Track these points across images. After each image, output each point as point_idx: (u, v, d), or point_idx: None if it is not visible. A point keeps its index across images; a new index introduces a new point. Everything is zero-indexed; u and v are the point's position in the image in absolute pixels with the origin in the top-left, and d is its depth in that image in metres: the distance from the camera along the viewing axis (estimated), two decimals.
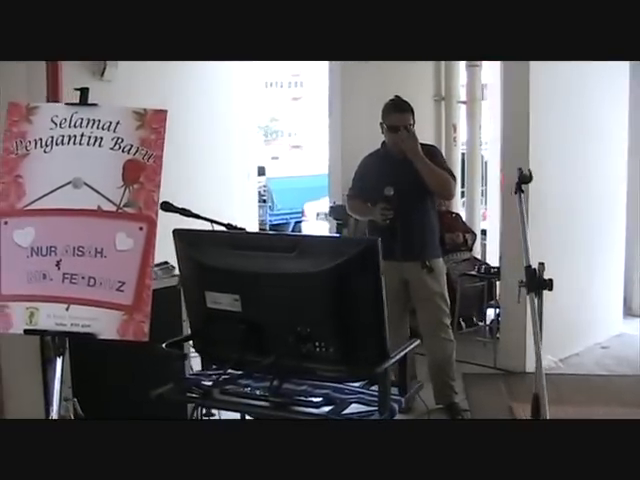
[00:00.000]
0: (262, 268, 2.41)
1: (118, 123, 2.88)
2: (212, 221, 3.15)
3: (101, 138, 2.87)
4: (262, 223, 12.23)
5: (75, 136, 2.88)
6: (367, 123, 6.82)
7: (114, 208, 2.84)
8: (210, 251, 2.53)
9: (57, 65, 5.10)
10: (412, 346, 2.62)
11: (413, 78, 7.09)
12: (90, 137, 2.87)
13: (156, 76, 6.85)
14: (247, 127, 7.89)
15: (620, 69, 6.53)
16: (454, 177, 4.92)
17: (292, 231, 13.92)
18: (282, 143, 17.44)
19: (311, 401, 2.47)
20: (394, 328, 4.59)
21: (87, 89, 2.92)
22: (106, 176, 2.86)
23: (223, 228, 3.13)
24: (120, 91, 6.38)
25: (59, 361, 2.83)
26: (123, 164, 2.86)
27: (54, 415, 2.76)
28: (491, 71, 7.87)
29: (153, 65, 6.74)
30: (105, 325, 2.81)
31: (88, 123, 2.89)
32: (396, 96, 4.84)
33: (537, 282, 2.86)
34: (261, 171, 12.60)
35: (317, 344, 2.39)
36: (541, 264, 2.86)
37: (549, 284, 2.88)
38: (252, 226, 7.69)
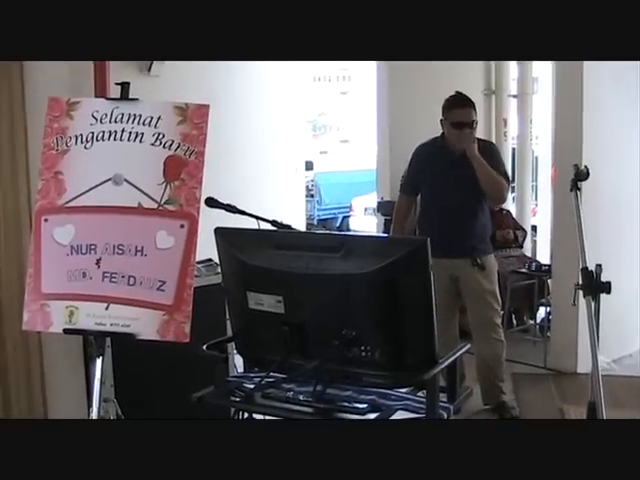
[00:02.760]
0: (306, 268, 2.32)
1: (159, 118, 2.82)
2: (257, 217, 3.07)
3: (142, 134, 2.81)
4: (310, 218, 12.18)
5: (116, 132, 2.83)
6: (416, 118, 6.75)
7: (155, 205, 2.78)
8: (253, 250, 2.45)
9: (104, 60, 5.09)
10: (462, 351, 2.50)
11: (462, 72, 6.95)
12: (131, 133, 2.82)
13: (204, 70, 6.79)
14: (295, 121, 7.81)
15: None
16: (508, 180, 4.82)
17: (340, 226, 13.85)
18: (330, 137, 17.34)
19: (356, 407, 2.38)
20: (442, 327, 4.54)
21: (128, 84, 2.86)
22: (147, 172, 2.80)
23: (268, 225, 3.05)
24: (167, 86, 6.34)
25: (99, 361, 2.78)
26: (164, 160, 2.80)
27: (94, 415, 2.71)
28: (543, 64, 7.69)
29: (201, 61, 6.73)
30: (145, 325, 2.75)
31: (129, 118, 2.83)
32: (457, 92, 4.72)
33: (594, 285, 2.72)
34: (309, 166, 12.54)
35: (363, 348, 2.30)
36: (598, 266, 2.72)
37: (607, 287, 2.74)
38: (299, 221, 7.62)
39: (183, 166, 2.79)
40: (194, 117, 2.83)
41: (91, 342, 3.06)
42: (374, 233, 6.88)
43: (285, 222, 3.13)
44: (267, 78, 7.63)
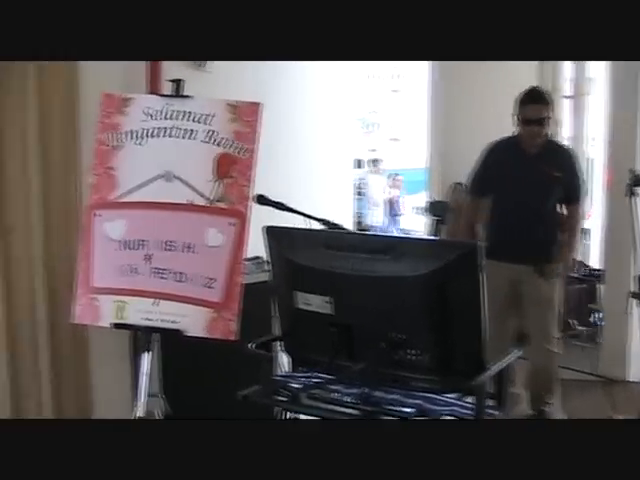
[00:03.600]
0: (356, 270, 2.30)
1: (212, 116, 2.83)
2: (307, 216, 3.05)
3: (194, 131, 2.83)
4: (359, 216, 12.14)
5: (168, 128, 2.85)
6: (469, 117, 6.68)
7: (205, 202, 2.79)
8: (302, 250, 2.44)
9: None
10: (512, 358, 2.46)
11: (516, 71, 6.86)
12: (183, 129, 2.82)
13: (257, 66, 6.81)
14: (345, 119, 7.80)
15: None
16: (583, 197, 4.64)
17: (389, 225, 13.78)
18: (380, 135, 17.27)
19: (402, 411, 2.35)
20: (496, 332, 4.47)
21: (181, 80, 2.86)
22: (198, 170, 2.81)
23: (318, 223, 3.03)
24: (221, 82, 6.34)
25: (146, 356, 2.79)
26: (215, 157, 2.80)
27: (139, 411, 2.72)
28: (598, 65, 7.55)
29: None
30: (193, 322, 2.76)
31: (182, 115, 2.85)
32: (534, 86, 4.61)
33: None
34: (359, 164, 12.51)
35: (411, 352, 2.28)
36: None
37: None
38: (347, 220, 7.60)
39: (234, 164, 2.80)
40: (246, 115, 2.83)
41: (139, 337, 3.07)
42: (424, 235, 6.81)
43: (334, 222, 3.12)
44: (318, 75, 7.61)
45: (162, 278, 2.78)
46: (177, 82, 2.89)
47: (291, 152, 6.97)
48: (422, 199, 8.06)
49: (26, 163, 3.41)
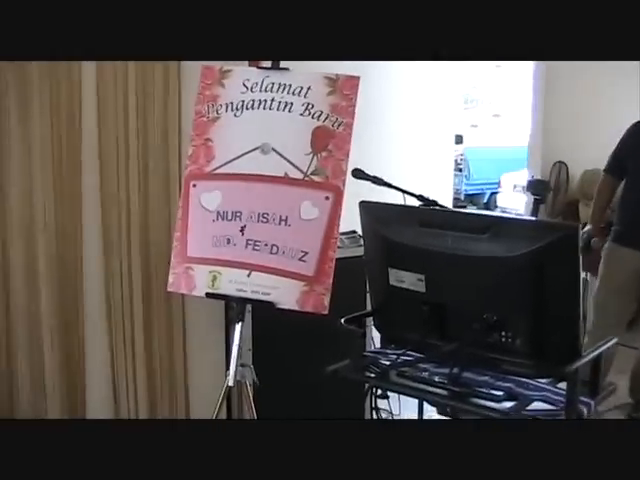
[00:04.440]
0: (450, 248, 2.26)
1: (309, 88, 2.82)
2: (403, 191, 3.01)
3: (291, 103, 2.82)
4: (457, 192, 11.96)
5: (266, 100, 2.85)
6: (573, 95, 6.49)
7: (301, 176, 2.79)
8: (397, 226, 2.41)
9: None
10: (607, 345, 2.39)
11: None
12: (280, 102, 2.83)
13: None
14: (446, 94, 7.69)
15: None
16: None
17: (487, 202, 13.57)
18: (481, 111, 16.98)
19: (492, 394, 2.30)
20: (610, 321, 4.36)
21: None
22: (294, 142, 2.81)
23: (414, 199, 3.00)
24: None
25: (238, 327, 2.82)
26: (312, 131, 2.80)
27: (230, 380, 2.75)
28: None
29: None
30: (285, 294, 2.77)
31: (279, 88, 2.84)
32: None
33: None
34: (459, 139, 12.30)
35: (504, 334, 2.24)
36: None
37: None
38: (447, 196, 7.51)
39: (331, 137, 2.78)
40: (344, 88, 2.80)
41: (232, 307, 3.10)
42: (522, 216, 6.66)
43: (431, 198, 3.07)
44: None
45: (256, 250, 2.79)
46: None
47: (391, 127, 6.92)
48: (522, 177, 7.90)
49: (127, 134, 3.48)
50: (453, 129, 8.10)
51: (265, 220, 2.79)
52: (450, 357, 2.34)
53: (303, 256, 2.76)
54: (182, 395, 3.77)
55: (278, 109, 2.83)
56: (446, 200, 7.45)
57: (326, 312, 2.74)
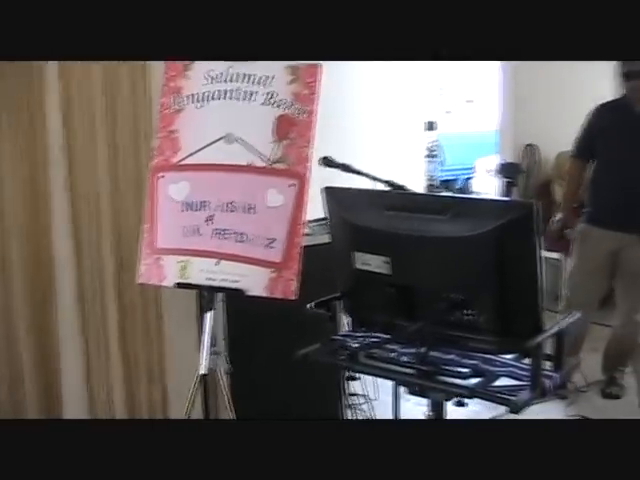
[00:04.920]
0: (414, 230, 2.30)
1: (272, 78, 2.85)
2: (373, 177, 3.06)
3: (255, 93, 2.85)
4: (432, 179, 12.00)
5: (229, 91, 2.88)
6: (542, 77, 6.55)
7: (265, 164, 2.81)
8: (361, 210, 2.44)
9: None
10: (570, 320, 2.43)
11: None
12: (244, 92, 2.85)
13: None
14: (416, 81, 7.73)
15: None
16: None
17: (461, 187, 13.63)
18: (455, 97, 17.03)
19: (458, 371, 2.35)
20: (583, 300, 4.42)
21: None
22: (258, 131, 2.84)
23: (383, 185, 3.04)
24: None
25: (209, 315, 2.85)
26: (275, 119, 2.83)
27: (202, 369, 2.78)
28: None
29: None
30: (254, 282, 2.81)
31: (243, 78, 2.87)
32: None
33: None
34: (432, 126, 12.36)
35: (468, 312, 2.27)
36: None
37: None
38: (419, 182, 7.57)
39: (293, 125, 2.81)
40: (306, 76, 2.84)
41: (204, 296, 3.14)
42: (482, 196, 6.74)
43: (400, 183, 3.11)
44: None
45: (224, 238, 2.83)
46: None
47: (363, 115, 6.97)
48: (496, 161, 7.95)
49: (94, 127, 3.50)
50: (423, 116, 8.17)
51: (232, 209, 2.83)
52: (417, 337, 2.38)
53: (270, 243, 2.79)
54: (159, 387, 3.80)
55: (241, 99, 2.86)
56: (418, 186, 7.52)
57: (295, 297, 2.78)
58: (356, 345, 2.53)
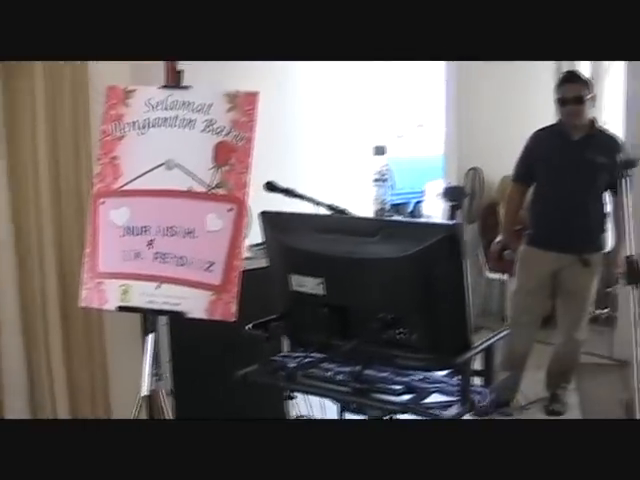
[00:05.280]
0: (345, 252, 2.38)
1: (211, 105, 2.92)
2: (315, 202, 3.14)
3: (194, 120, 2.91)
4: (383, 203, 12.15)
5: (169, 118, 2.94)
6: (485, 103, 6.70)
7: (205, 189, 2.88)
8: (295, 233, 2.52)
9: None
10: (498, 337, 2.53)
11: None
12: (183, 119, 2.92)
13: None
14: (364, 106, 7.84)
15: None
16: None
17: (412, 211, 13.79)
18: (407, 121, 17.25)
19: (391, 388, 2.43)
20: (526, 319, 4.54)
21: (182, 71, 2.95)
22: (198, 158, 2.90)
23: (325, 209, 3.11)
24: (236, 73, 6.44)
25: (150, 338, 2.90)
26: (214, 146, 2.90)
27: (143, 390, 2.82)
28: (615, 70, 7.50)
29: None
30: (194, 304, 2.86)
31: (182, 105, 2.93)
32: (569, 70, 4.61)
33: (637, 274, 2.71)
34: (382, 151, 12.52)
35: (400, 331, 2.35)
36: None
37: None
38: (368, 206, 7.68)
39: (232, 151, 2.88)
40: (244, 104, 2.91)
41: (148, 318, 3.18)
42: (410, 219, 6.88)
43: (341, 207, 3.19)
44: (336, 64, 7.66)
45: (164, 262, 2.88)
46: (178, 72, 2.98)
47: (311, 141, 7.06)
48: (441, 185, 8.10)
49: (37, 154, 3.53)
50: (374, 140, 8.29)
51: (172, 233, 2.88)
52: (351, 355, 2.46)
53: (210, 266, 2.85)
54: (102, 408, 3.82)
55: (181, 126, 2.92)
56: (367, 210, 7.63)
57: (234, 319, 2.84)
58: (293, 365, 2.60)
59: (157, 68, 3.60)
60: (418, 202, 13.82)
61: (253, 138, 2.89)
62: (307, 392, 2.64)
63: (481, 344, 2.40)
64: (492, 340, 2.47)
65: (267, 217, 2.61)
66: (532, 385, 4.85)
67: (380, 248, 2.32)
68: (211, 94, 2.96)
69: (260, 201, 2.92)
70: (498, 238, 4.82)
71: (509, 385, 2.65)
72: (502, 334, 2.58)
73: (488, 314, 6.68)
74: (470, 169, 6.68)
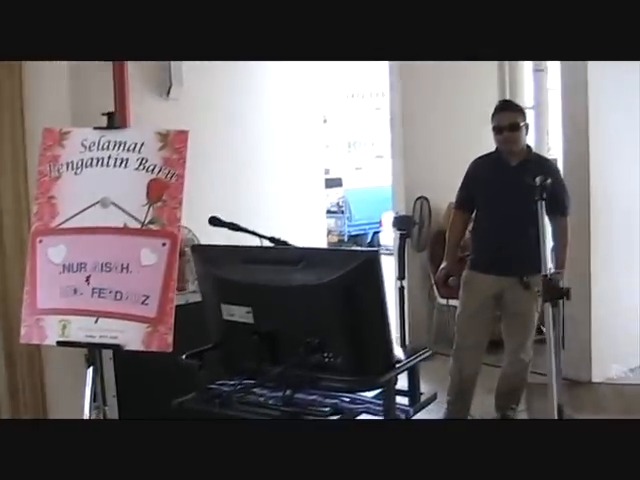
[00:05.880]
0: (271, 280, 2.49)
1: (143, 144, 3.02)
2: (257, 235, 3.23)
3: (127, 159, 3.01)
4: (340, 234, 12.32)
5: (103, 158, 3.03)
6: (430, 132, 6.85)
7: (139, 225, 2.98)
8: (224, 265, 2.62)
9: (124, 89, 5.32)
10: (421, 357, 2.64)
11: (477, 83, 7.05)
12: (117, 158, 3.02)
13: (222, 90, 7.00)
14: (316, 140, 7.97)
15: None
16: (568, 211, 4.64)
17: (370, 241, 13.97)
18: (365, 153, 17.49)
19: (320, 411, 2.52)
20: (472, 342, 4.63)
21: (113, 113, 3.07)
22: (131, 195, 3.00)
23: (267, 241, 3.20)
24: (187, 109, 6.56)
25: (90, 371, 2.97)
26: (147, 183, 3.00)
27: None
28: (556, 76, 7.73)
29: (220, 81, 6.94)
30: (131, 337, 2.94)
31: (115, 145, 3.04)
32: (503, 99, 4.73)
33: (553, 291, 2.84)
34: (338, 182, 12.74)
35: (326, 355, 2.44)
36: (557, 273, 2.85)
37: (566, 293, 2.86)
38: (321, 238, 7.78)
39: (165, 188, 2.98)
40: (175, 142, 3.02)
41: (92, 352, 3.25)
42: (330, 247, 6.99)
43: (282, 239, 3.29)
44: (291, 97, 7.79)
45: (102, 297, 2.96)
46: (110, 115, 3.09)
47: (261, 173, 7.17)
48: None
49: None
50: (326, 172, 8.44)
51: (108, 269, 2.97)
52: (280, 380, 2.55)
53: (145, 300, 2.94)
54: None
55: (115, 165, 3.02)
56: (321, 242, 7.75)
57: (170, 350, 2.92)
58: (227, 391, 2.68)
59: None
60: (376, 232, 13.99)
61: (184, 174, 3.00)
62: (241, 418, 2.72)
63: (404, 364, 2.51)
64: (415, 360, 2.58)
65: (198, 250, 2.73)
66: (482, 408, 4.92)
67: (303, 276, 2.43)
68: (142, 133, 3.06)
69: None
70: (442, 265, 4.93)
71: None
72: (424, 355, 2.68)
73: (442, 340, 6.75)
74: (418, 198, 6.81)
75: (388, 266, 7.26)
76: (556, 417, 2.85)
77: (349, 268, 2.37)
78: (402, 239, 6.78)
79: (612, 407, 5.38)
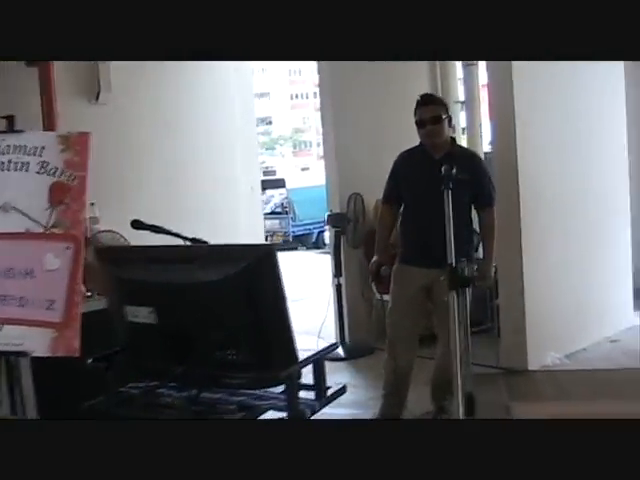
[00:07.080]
0: (171, 279, 2.47)
1: (43, 148, 2.98)
2: (179, 236, 3.19)
3: (28, 163, 2.97)
4: (285, 235, 12.31)
5: (4, 162, 2.99)
6: (363, 127, 6.87)
7: (42, 229, 2.94)
8: (126, 265, 2.61)
9: (51, 93, 5.26)
10: (327, 351, 2.65)
11: (408, 78, 7.09)
12: (17, 163, 2.97)
13: (152, 96, 6.98)
14: (250, 141, 7.98)
15: (614, 66, 6.49)
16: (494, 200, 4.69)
17: (316, 241, 13.99)
18: (311, 154, 17.56)
19: (226, 408, 2.52)
20: (404, 335, 4.63)
21: (13, 116, 3.02)
22: (33, 199, 2.96)
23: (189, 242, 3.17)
24: (115, 113, 6.54)
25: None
26: (49, 187, 2.96)
27: None
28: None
29: (148, 85, 6.91)
30: (37, 343, 2.90)
31: (15, 149, 2.99)
32: (424, 93, 4.74)
33: (458, 280, 2.87)
34: (282, 183, 12.73)
35: (229, 352, 2.44)
36: (462, 261, 2.87)
37: (467, 281, 2.89)
38: (259, 239, 7.80)
39: (67, 191, 2.95)
40: (76, 145, 2.98)
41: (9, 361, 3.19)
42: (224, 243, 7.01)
43: (203, 240, 3.27)
44: (226, 98, 7.77)
45: (5, 304, 2.92)
46: (10, 118, 3.05)
47: (195, 175, 7.16)
48: None
49: None
50: (258, 175, 8.44)
51: (11, 275, 2.93)
52: (185, 380, 2.54)
53: (50, 305, 2.90)
54: None
55: (16, 169, 2.98)
56: (259, 240, 7.77)
57: (77, 354, 2.89)
58: (134, 392, 2.67)
59: None
60: (321, 232, 14.00)
61: (87, 177, 2.97)
62: (149, 419, 2.69)
63: (307, 358, 2.51)
64: (319, 354, 2.58)
65: (100, 252, 2.70)
66: (419, 400, 4.94)
67: (201, 273, 2.42)
68: (43, 137, 3.04)
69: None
70: (373, 259, 4.94)
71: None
72: (330, 348, 2.70)
73: (382, 336, 6.79)
74: (351, 195, 6.82)
75: (327, 264, 7.27)
76: (462, 408, 2.82)
77: (246, 263, 2.37)
78: (337, 236, 6.78)
79: (548, 394, 5.42)
